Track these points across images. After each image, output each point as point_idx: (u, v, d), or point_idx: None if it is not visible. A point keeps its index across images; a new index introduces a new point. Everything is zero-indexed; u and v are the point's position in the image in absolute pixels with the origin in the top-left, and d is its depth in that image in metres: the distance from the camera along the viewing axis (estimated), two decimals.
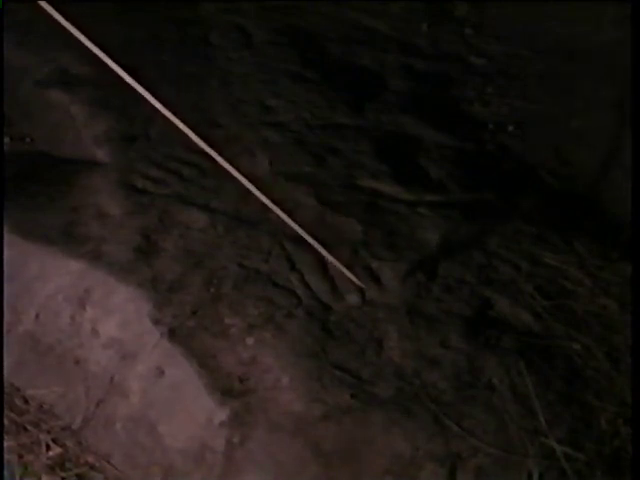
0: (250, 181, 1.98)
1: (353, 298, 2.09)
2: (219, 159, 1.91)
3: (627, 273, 2.23)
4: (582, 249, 2.34)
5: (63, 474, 1.93)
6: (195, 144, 1.91)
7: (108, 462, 1.95)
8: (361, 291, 2.10)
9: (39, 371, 2.12)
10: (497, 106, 3.15)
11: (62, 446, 1.98)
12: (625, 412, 1.86)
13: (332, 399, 1.84)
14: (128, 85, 1.82)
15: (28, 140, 2.80)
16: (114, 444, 1.96)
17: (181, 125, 1.85)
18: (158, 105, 1.80)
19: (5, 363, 2.11)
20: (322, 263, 2.18)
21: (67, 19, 1.70)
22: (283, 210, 2.02)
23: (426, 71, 3.38)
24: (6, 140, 2.77)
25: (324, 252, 2.07)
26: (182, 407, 1.91)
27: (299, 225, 2.03)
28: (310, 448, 1.79)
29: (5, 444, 1.97)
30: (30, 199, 2.43)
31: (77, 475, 1.93)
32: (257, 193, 1.98)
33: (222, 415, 1.85)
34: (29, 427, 2.02)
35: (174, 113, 1.85)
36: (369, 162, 2.65)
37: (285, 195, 2.44)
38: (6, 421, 2.02)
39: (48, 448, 1.98)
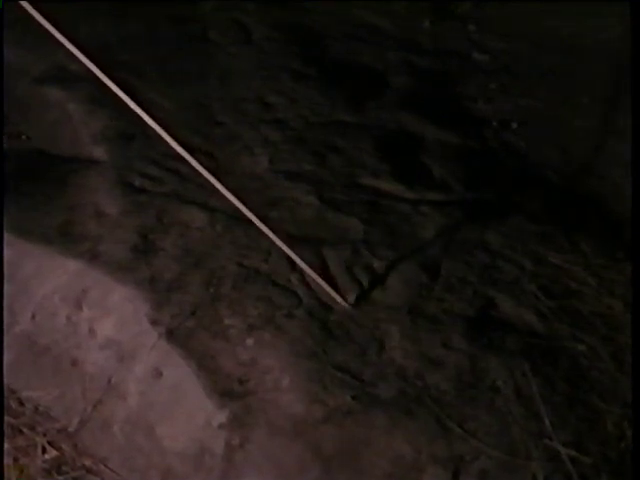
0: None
1: (353, 297, 2.07)
2: (197, 166, 1.83)
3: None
4: (587, 248, 2.32)
5: (59, 477, 1.91)
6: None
7: (105, 465, 1.93)
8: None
9: (35, 372, 2.10)
10: (500, 103, 3.13)
11: (58, 449, 1.97)
12: (631, 414, 1.84)
13: (333, 400, 1.82)
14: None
15: (24, 138, 2.78)
16: (111, 447, 1.94)
17: (161, 131, 1.78)
18: (138, 110, 1.74)
19: None
20: (322, 263, 2.16)
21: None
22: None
23: (428, 68, 3.37)
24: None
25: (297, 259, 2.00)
26: (181, 409, 1.90)
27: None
28: (310, 450, 1.77)
29: None
30: (27, 198, 2.41)
31: (74, 478, 1.91)
32: (232, 198, 1.90)
33: (221, 417, 1.83)
34: (25, 430, 2.00)
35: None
36: (370, 160, 2.63)
37: (285, 193, 2.43)
38: None
39: (44, 451, 1.96)
